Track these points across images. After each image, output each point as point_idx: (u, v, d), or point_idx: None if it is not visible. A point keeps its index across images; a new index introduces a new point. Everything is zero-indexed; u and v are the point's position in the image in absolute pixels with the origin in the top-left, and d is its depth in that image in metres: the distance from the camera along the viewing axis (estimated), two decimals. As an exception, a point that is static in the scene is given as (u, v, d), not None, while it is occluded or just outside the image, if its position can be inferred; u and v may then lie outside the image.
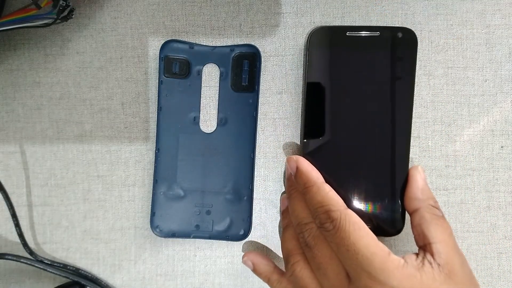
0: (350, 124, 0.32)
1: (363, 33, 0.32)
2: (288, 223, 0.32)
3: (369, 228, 0.28)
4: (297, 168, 0.30)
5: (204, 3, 0.34)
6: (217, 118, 0.34)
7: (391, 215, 0.31)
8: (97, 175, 0.35)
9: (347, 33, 0.32)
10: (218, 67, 0.34)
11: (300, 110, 0.35)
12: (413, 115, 0.32)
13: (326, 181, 0.30)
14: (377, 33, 0.31)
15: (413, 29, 0.32)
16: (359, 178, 0.31)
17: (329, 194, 0.28)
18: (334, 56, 0.32)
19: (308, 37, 0.33)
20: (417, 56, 0.31)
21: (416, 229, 0.28)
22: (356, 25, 0.34)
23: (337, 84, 0.32)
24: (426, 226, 0.28)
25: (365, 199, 0.31)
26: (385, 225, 0.31)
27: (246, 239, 0.34)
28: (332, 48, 0.32)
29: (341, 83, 0.32)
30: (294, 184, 0.31)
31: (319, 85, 0.33)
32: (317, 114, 0.32)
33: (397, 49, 0.31)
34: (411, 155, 0.34)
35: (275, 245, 0.35)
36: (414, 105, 0.34)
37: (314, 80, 0.33)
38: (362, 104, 0.32)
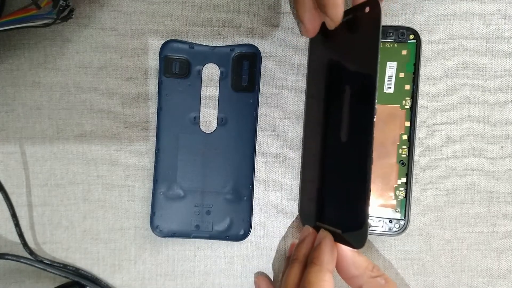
0: (344, 119, 0.30)
1: (343, 20, 0.30)
2: (297, 258, 0.30)
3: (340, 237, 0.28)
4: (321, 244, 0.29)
5: (204, 3, 0.34)
6: (217, 118, 0.34)
7: (356, 223, 0.27)
8: (97, 175, 0.35)
9: None
10: (218, 67, 0.34)
11: (299, 110, 0.35)
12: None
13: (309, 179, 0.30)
14: (350, 16, 0.29)
15: (414, 28, 0.32)
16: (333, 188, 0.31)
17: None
18: (326, 52, 0.32)
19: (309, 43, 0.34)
20: (380, 36, 0.26)
21: None
22: None
23: (331, 79, 0.31)
24: None
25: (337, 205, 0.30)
26: (351, 236, 0.28)
27: (246, 239, 0.34)
28: (324, 44, 0.32)
29: (334, 76, 0.31)
30: (303, 250, 0.30)
31: (317, 83, 0.33)
32: (316, 112, 0.32)
33: (365, 26, 0.28)
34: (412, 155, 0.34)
35: (275, 245, 0.35)
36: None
37: (313, 80, 0.33)
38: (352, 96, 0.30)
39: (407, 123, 0.33)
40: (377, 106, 0.32)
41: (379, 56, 0.26)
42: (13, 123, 0.35)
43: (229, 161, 0.34)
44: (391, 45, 0.33)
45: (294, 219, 0.35)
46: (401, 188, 0.33)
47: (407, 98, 0.33)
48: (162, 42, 0.34)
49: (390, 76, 0.33)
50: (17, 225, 0.34)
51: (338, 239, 0.28)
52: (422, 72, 0.34)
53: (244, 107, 0.34)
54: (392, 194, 0.33)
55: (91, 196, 0.36)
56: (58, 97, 0.35)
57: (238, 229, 0.34)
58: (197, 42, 0.34)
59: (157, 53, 0.34)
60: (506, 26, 0.34)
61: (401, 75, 0.33)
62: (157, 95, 0.34)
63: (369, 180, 0.26)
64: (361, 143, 0.27)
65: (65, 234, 0.36)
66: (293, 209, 0.35)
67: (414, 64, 0.33)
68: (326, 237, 0.29)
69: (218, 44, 0.34)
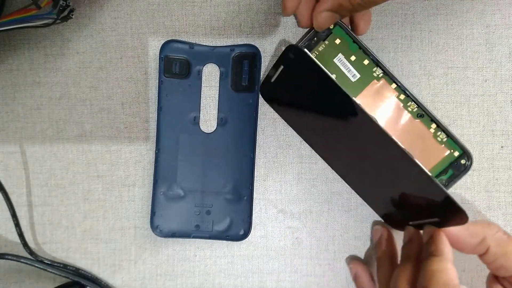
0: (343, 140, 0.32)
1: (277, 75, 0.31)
2: (408, 258, 0.29)
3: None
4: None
5: (204, 3, 0.34)
6: (217, 118, 0.34)
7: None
8: (97, 175, 0.35)
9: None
10: (218, 67, 0.34)
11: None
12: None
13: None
14: (281, 68, 0.30)
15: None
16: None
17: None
18: (289, 101, 0.33)
19: None
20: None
21: (494, 264, 0.28)
22: None
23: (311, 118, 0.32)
24: (506, 259, 0.28)
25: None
26: (451, 216, 0.28)
27: (246, 239, 0.34)
28: (284, 96, 0.33)
29: (313, 115, 0.32)
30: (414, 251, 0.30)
31: (302, 127, 0.34)
32: (326, 152, 0.34)
33: (302, 69, 0.30)
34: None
35: (275, 245, 0.35)
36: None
37: (296, 124, 0.34)
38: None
39: (393, 85, 0.33)
40: (361, 94, 0.33)
41: (337, 82, 0.28)
42: (13, 123, 0.35)
43: (229, 161, 0.34)
44: (324, 46, 0.32)
45: (294, 219, 0.35)
46: (439, 133, 0.32)
47: (374, 69, 0.33)
48: (162, 42, 0.34)
49: (345, 67, 0.32)
50: (17, 225, 0.34)
51: (441, 225, 0.28)
52: (422, 72, 0.34)
53: (244, 107, 0.34)
54: (436, 144, 0.33)
55: (91, 196, 0.36)
56: (58, 97, 0.35)
57: (238, 229, 0.34)
58: (197, 42, 0.34)
59: (157, 53, 0.34)
60: (506, 26, 0.34)
61: (353, 58, 0.33)
62: (157, 95, 0.34)
63: (419, 165, 0.27)
64: (389, 152, 0.28)
65: (65, 234, 0.36)
66: (293, 209, 0.35)
67: (354, 41, 0.32)
68: (434, 230, 0.29)
69: (218, 44, 0.34)
